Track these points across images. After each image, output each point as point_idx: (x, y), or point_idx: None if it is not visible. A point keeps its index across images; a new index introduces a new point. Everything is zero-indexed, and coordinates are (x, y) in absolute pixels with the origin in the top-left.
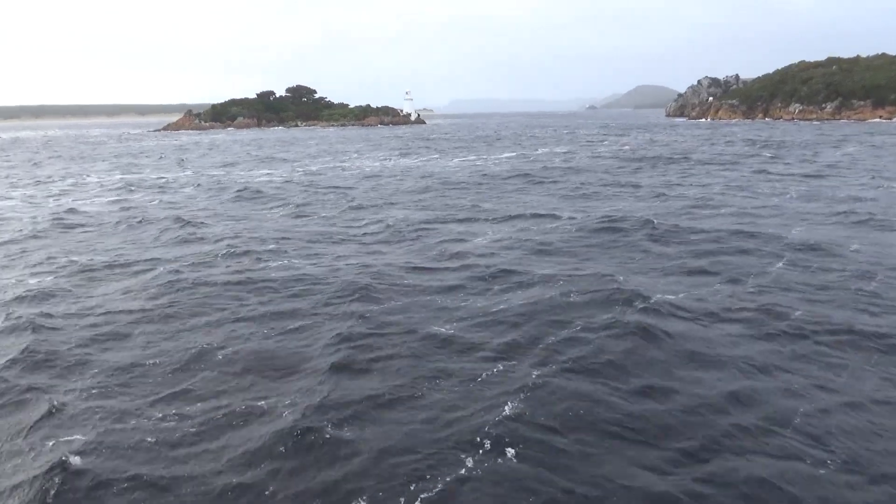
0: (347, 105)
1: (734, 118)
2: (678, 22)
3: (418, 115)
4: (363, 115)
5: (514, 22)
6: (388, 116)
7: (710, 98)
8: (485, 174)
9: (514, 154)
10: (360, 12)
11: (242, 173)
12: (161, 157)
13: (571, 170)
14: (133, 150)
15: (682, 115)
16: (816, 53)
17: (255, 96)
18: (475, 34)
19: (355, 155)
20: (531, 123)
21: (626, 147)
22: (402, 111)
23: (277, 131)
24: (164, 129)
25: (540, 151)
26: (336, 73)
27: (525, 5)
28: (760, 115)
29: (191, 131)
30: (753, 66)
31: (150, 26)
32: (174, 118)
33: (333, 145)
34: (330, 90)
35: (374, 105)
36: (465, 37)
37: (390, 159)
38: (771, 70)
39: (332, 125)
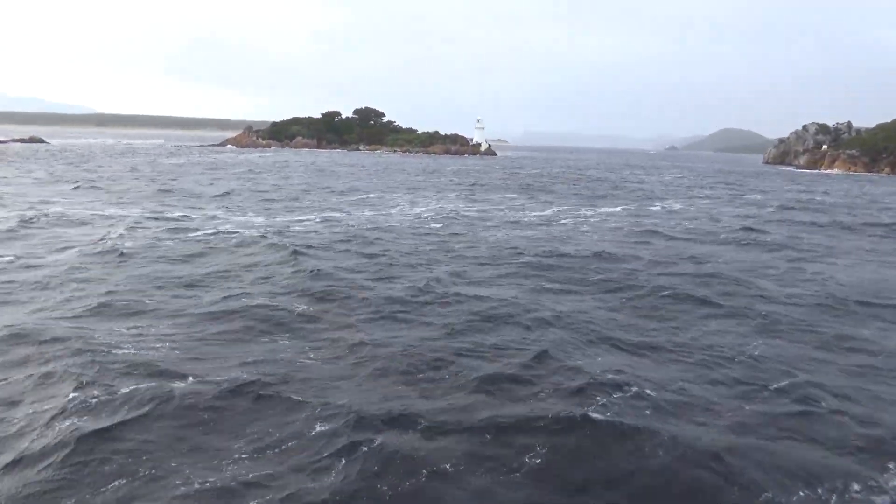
0: (416, 130)
1: (854, 170)
2: (765, 64)
3: (489, 145)
4: (429, 143)
5: (591, 54)
6: (456, 145)
7: (825, 146)
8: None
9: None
10: (437, 39)
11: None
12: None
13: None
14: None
15: (783, 162)
16: None
17: (319, 116)
18: (552, 64)
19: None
20: (616, 164)
21: (771, 206)
22: (471, 140)
23: (333, 154)
24: (222, 144)
25: (661, 207)
26: (408, 98)
27: (602, 38)
28: (887, 170)
29: (248, 149)
30: (849, 112)
31: (238, 46)
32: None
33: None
34: (400, 114)
35: (442, 132)
36: (541, 66)
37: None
38: (880, 119)
39: (396, 151)
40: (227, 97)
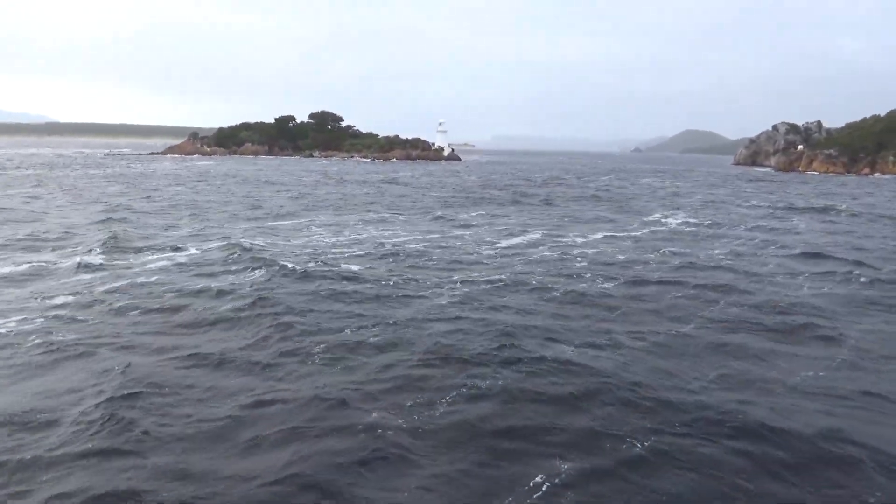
0: (377, 135)
1: (833, 171)
2: (724, 68)
3: (452, 149)
4: (389, 147)
5: (559, 60)
6: (417, 150)
7: (801, 147)
8: None
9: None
10: (405, 45)
11: None
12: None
13: None
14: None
15: (754, 163)
16: (875, 103)
17: (273, 121)
18: (521, 72)
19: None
20: (591, 167)
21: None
22: (434, 145)
23: (269, 162)
24: (165, 151)
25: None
26: (376, 104)
27: (570, 45)
28: (866, 170)
29: (191, 156)
30: (806, 113)
31: (210, 56)
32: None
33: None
34: (368, 121)
35: (409, 137)
36: (511, 73)
37: None
38: (842, 119)
39: (354, 156)
40: (196, 107)
